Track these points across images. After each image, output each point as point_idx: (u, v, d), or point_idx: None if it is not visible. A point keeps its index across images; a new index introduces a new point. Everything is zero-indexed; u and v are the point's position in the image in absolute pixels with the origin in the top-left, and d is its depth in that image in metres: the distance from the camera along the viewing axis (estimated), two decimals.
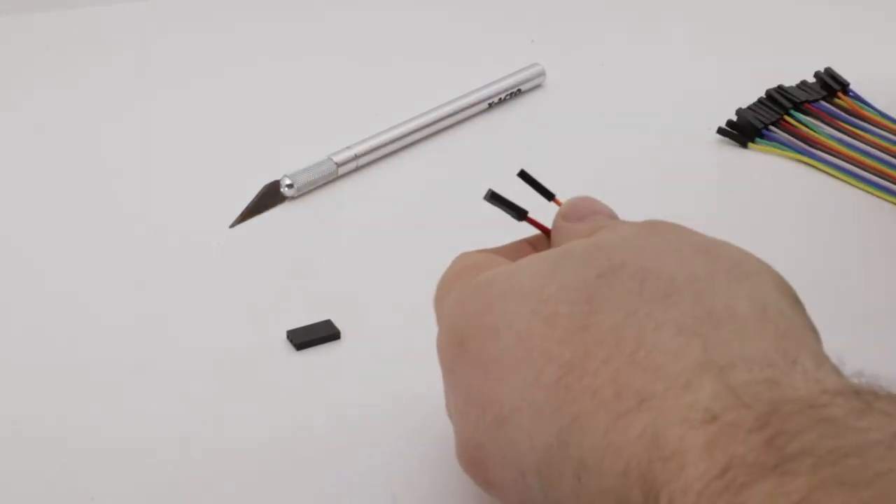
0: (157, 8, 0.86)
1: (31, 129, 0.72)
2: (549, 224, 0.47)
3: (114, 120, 0.73)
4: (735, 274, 0.38)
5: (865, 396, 0.32)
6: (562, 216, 0.46)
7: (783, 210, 0.66)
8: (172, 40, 0.83)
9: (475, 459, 0.40)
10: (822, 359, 0.35)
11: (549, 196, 0.47)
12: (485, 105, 0.74)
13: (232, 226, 0.63)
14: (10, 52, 0.81)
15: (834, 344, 0.37)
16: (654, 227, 0.41)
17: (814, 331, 0.38)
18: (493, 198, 0.47)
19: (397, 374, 0.52)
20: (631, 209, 0.46)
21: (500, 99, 0.75)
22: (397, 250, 0.62)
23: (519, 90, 0.75)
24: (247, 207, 0.64)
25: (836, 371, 0.35)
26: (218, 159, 0.69)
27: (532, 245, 0.47)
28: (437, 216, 0.64)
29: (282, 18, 0.86)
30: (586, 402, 0.35)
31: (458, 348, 0.41)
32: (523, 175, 0.48)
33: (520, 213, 0.47)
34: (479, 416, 0.39)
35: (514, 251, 0.46)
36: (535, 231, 0.47)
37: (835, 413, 0.31)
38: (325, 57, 0.81)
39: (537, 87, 0.77)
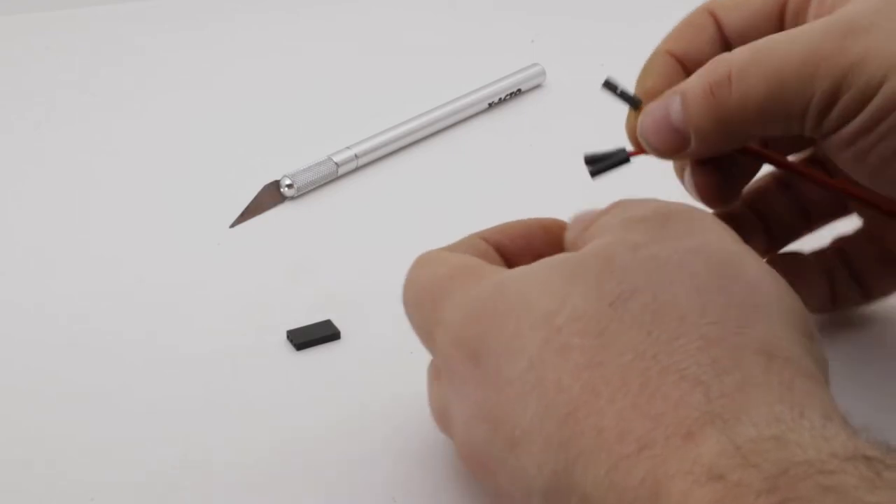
0: (156, 8, 0.86)
1: (30, 129, 0.72)
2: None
3: (113, 120, 0.73)
4: (747, 308, 0.38)
5: (875, 465, 0.31)
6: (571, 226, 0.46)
7: None
8: (172, 40, 0.82)
9: (487, 471, 0.40)
10: (829, 411, 0.35)
11: (635, 104, 0.50)
12: (485, 105, 0.74)
13: (232, 226, 0.63)
14: (10, 52, 0.81)
15: None
16: (666, 222, 0.41)
17: (823, 369, 0.38)
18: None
19: (397, 374, 0.52)
20: None
21: (500, 99, 0.75)
22: (397, 250, 0.61)
23: (519, 90, 0.75)
24: (247, 207, 0.64)
25: (844, 426, 0.34)
26: (218, 159, 0.69)
27: (484, 239, 0.46)
28: (437, 216, 0.64)
29: (282, 19, 0.86)
30: (591, 440, 0.36)
31: (472, 362, 0.40)
32: (608, 84, 0.50)
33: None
34: (489, 431, 0.39)
35: (470, 248, 0.45)
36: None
37: (844, 482, 0.31)
38: (326, 57, 0.81)
39: (537, 87, 0.77)
